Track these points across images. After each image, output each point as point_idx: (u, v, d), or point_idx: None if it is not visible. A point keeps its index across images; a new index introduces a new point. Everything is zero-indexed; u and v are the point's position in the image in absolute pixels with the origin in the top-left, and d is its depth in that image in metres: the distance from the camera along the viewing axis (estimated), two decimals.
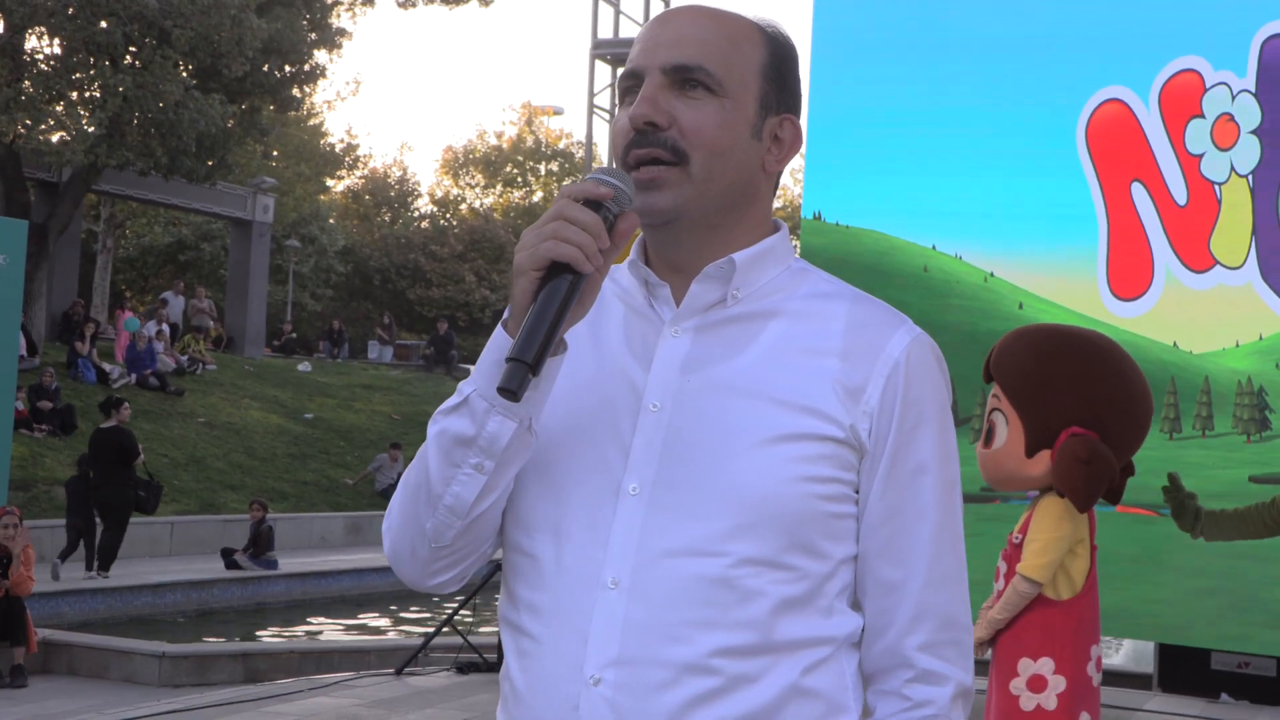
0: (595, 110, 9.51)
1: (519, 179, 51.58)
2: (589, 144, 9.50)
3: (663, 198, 1.66)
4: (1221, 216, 8.01)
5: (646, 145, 1.66)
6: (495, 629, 9.71)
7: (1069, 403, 3.73)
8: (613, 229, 1.59)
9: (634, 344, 1.72)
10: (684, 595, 1.61)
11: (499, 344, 1.60)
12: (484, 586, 9.06)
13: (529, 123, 51.72)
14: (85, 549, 14.90)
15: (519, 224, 46.73)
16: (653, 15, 9.52)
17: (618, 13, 9.48)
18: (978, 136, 8.51)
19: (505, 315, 1.62)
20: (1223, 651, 8.43)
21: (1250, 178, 7.96)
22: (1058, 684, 3.63)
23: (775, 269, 1.76)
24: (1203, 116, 8.06)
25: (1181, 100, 8.09)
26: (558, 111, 51.30)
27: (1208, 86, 8.07)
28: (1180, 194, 8.07)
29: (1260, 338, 8.03)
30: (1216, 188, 8.02)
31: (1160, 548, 7.84)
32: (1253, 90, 7.98)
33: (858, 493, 1.70)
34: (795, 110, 1.79)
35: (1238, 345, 8.07)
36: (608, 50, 9.44)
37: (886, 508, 1.70)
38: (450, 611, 9.49)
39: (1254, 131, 7.97)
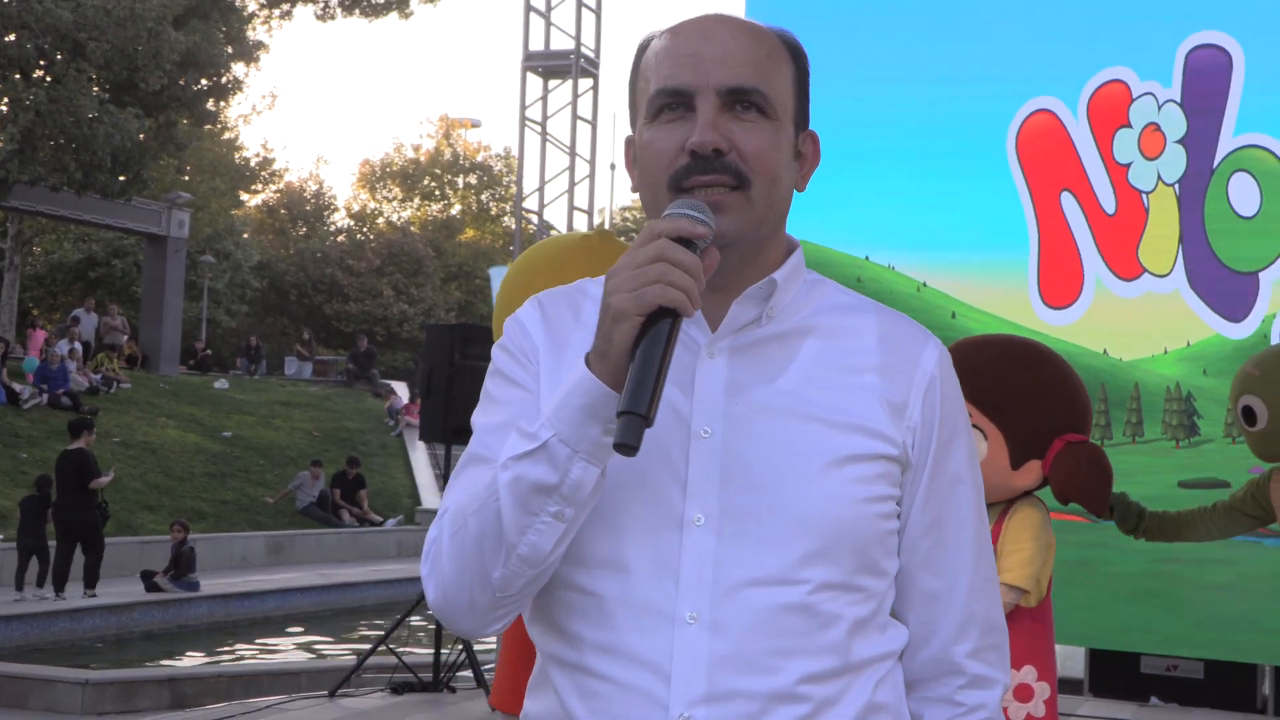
0: (527, 123, 9.43)
1: (437, 192, 51.32)
2: (521, 157, 9.42)
3: (724, 222, 1.63)
4: (1149, 225, 8.09)
5: (711, 171, 1.63)
6: (429, 649, 9.60)
7: (1057, 410, 3.73)
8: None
9: (671, 369, 1.63)
10: (767, 625, 1.59)
11: (586, 389, 1.54)
12: (418, 605, 8.94)
13: (447, 135, 51.50)
14: (39, 565, 15.01)
15: (437, 237, 46.52)
16: (584, 28, 9.50)
17: (549, 24, 9.42)
18: (909, 147, 8.55)
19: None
20: (1152, 655, 8.50)
21: (1177, 186, 8.05)
22: (1043, 690, 3.62)
23: (798, 284, 1.75)
24: (1130, 126, 8.15)
25: (1109, 110, 8.17)
26: (475, 124, 51.12)
27: (1134, 97, 8.15)
28: (1109, 203, 8.15)
29: (1188, 344, 8.13)
30: (1144, 196, 8.11)
31: (1091, 553, 7.90)
32: (1178, 100, 8.08)
33: (898, 505, 1.72)
34: (809, 123, 1.78)
35: (1166, 352, 8.16)
36: (539, 62, 9.39)
37: (928, 520, 1.73)
38: (384, 632, 9.35)
39: (1180, 141, 8.07)
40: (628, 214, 48.63)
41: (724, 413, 1.64)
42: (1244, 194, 7.95)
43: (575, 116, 9.42)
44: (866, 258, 8.64)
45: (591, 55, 9.56)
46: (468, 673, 9.03)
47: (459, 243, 48.09)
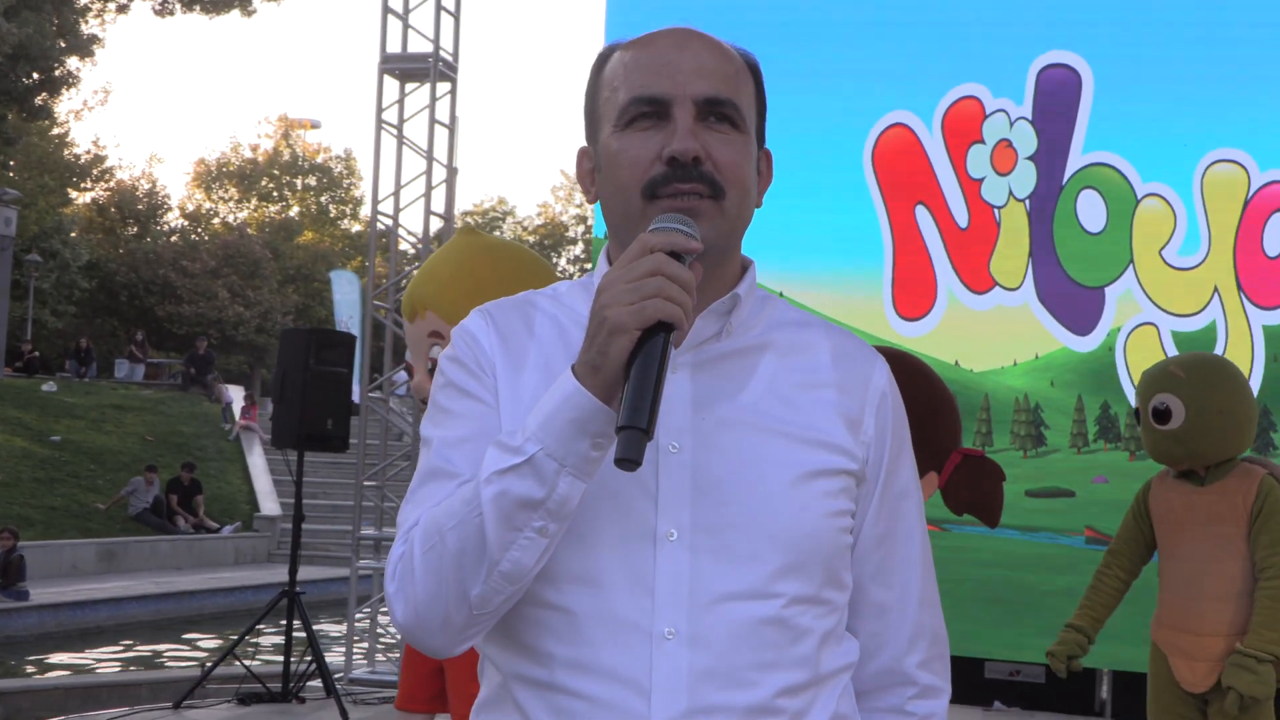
0: (384, 126, 9.30)
1: (275, 193, 50.47)
2: (376, 160, 9.28)
3: (700, 230, 1.62)
4: (1000, 239, 8.28)
5: (689, 179, 1.63)
6: (279, 657, 9.41)
7: (952, 423, 3.78)
8: None
9: None
10: (745, 639, 1.59)
11: (576, 403, 1.51)
12: (269, 612, 8.75)
13: (286, 136, 50.67)
14: None
15: (274, 239, 45.74)
16: (443, 31, 9.40)
17: (406, 27, 9.30)
18: (779, 156, 8.60)
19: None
20: (996, 661, 8.68)
21: (1027, 202, 8.26)
22: None
23: (753, 299, 1.76)
24: (983, 142, 8.33)
25: (963, 126, 8.35)
26: (315, 125, 50.41)
27: (987, 113, 8.34)
28: (962, 217, 8.32)
29: (1036, 356, 8.33)
30: (996, 211, 8.30)
31: (939, 560, 8.03)
32: (1029, 118, 8.29)
33: (854, 519, 1.74)
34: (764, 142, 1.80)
35: (1015, 364, 8.36)
36: (396, 65, 9.26)
37: (879, 533, 1.75)
38: (232, 640, 9.13)
39: (1030, 157, 8.27)
40: (469, 219, 48.38)
41: (691, 427, 1.63)
42: (1091, 210, 8.19)
43: (433, 120, 9.32)
44: None
45: (450, 59, 9.47)
46: (318, 682, 8.86)
47: (298, 245, 47.35)
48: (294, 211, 50.48)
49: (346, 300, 29.42)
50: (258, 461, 26.46)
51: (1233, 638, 4.72)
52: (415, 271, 9.58)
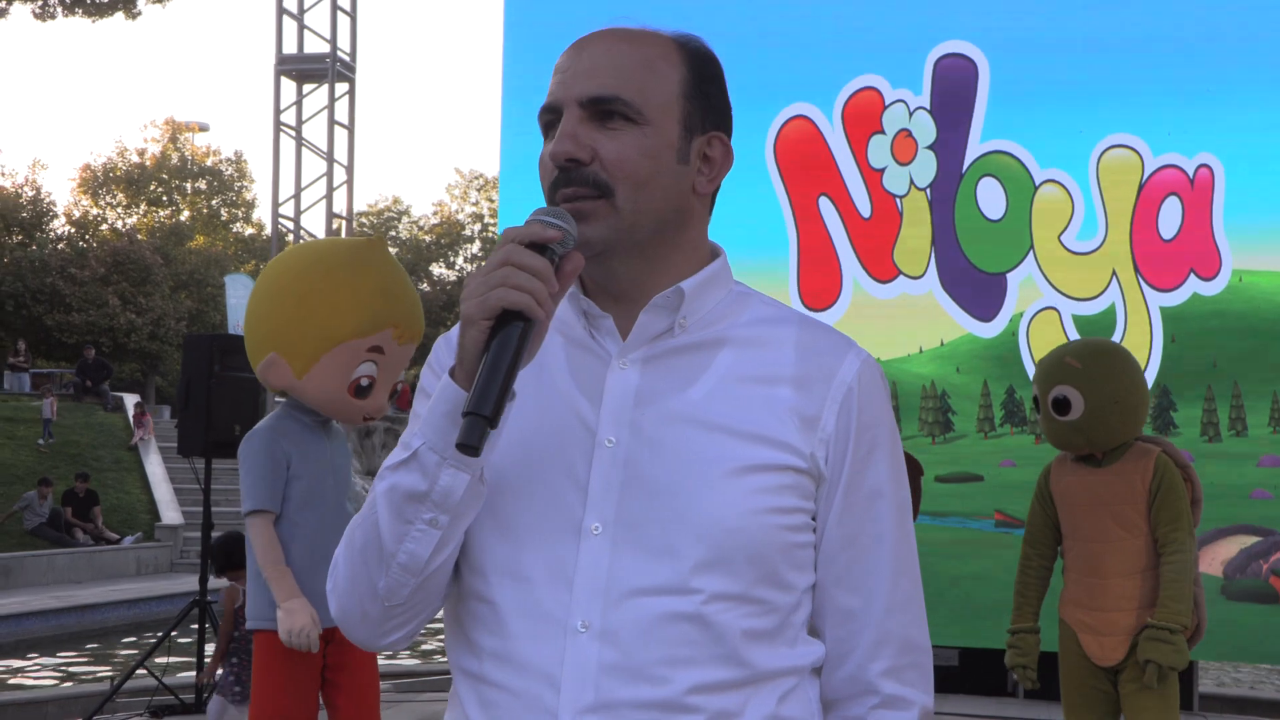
0: (282, 128, 9.18)
1: (164, 198, 49.66)
2: (276, 162, 9.16)
3: (590, 229, 1.62)
4: (903, 228, 8.37)
5: (571, 183, 1.63)
6: (191, 671, 9.26)
7: None
8: (559, 270, 1.57)
9: (580, 378, 1.67)
10: (657, 635, 1.58)
11: (447, 395, 1.55)
12: (180, 623, 8.62)
13: (174, 139, 49.86)
14: None
15: (165, 245, 45.01)
16: (340, 32, 9.30)
17: (302, 28, 9.18)
18: None
19: (451, 364, 1.58)
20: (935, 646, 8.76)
21: (928, 191, 8.36)
22: None
23: (719, 294, 1.73)
24: (883, 132, 8.41)
25: (863, 117, 8.43)
26: (204, 128, 49.66)
27: (887, 104, 8.43)
28: (864, 207, 8.40)
29: (942, 343, 8.43)
30: (898, 200, 8.39)
31: None
32: (928, 107, 8.39)
33: (814, 520, 1.70)
34: (724, 127, 1.76)
35: (921, 351, 8.45)
36: (293, 66, 9.14)
37: (844, 535, 1.70)
38: (142, 653, 8.98)
39: (930, 147, 8.37)
40: (363, 219, 47.92)
41: (630, 422, 1.63)
42: (991, 198, 8.30)
43: (332, 121, 9.21)
44: None
45: (348, 59, 9.37)
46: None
47: (189, 250, 46.63)
48: (184, 216, 49.71)
49: (242, 305, 29.00)
50: (156, 470, 26.02)
51: (1138, 612, 4.89)
52: None
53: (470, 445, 1.47)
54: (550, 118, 1.68)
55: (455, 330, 1.68)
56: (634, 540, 1.59)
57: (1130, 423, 5.02)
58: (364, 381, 4.81)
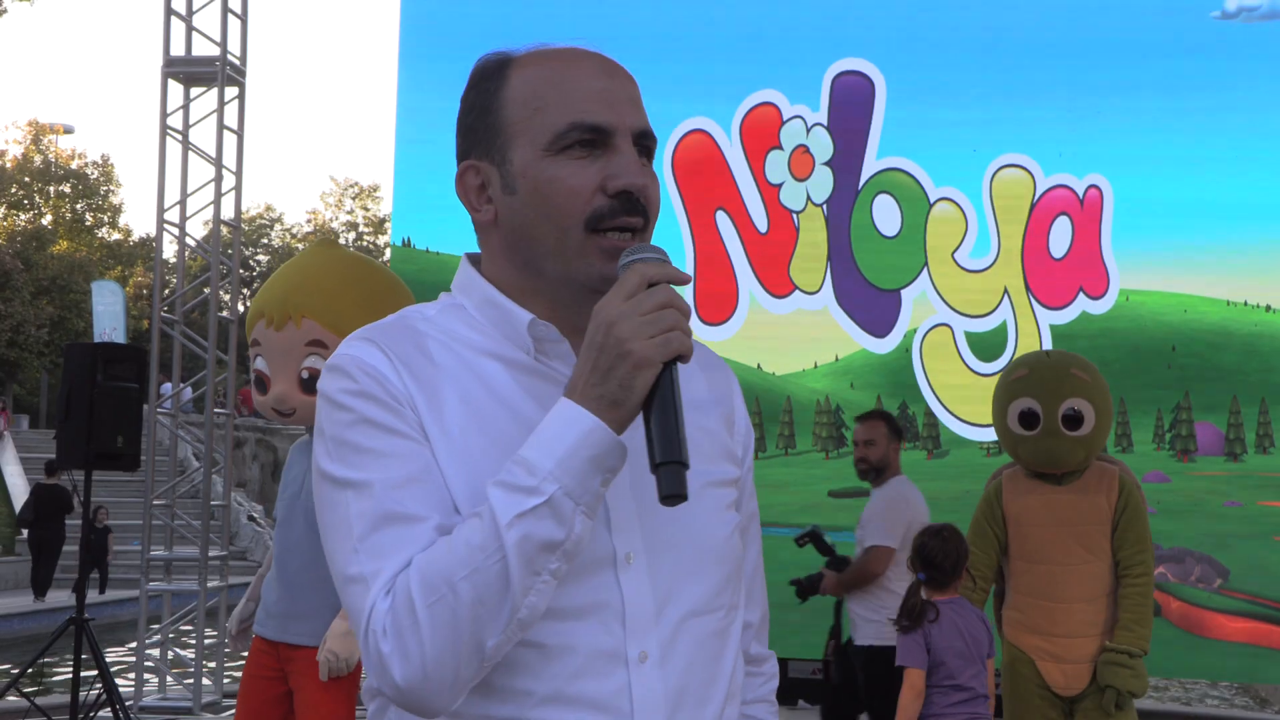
0: (169, 132, 8.95)
1: (25, 201, 48.35)
2: (162, 167, 8.92)
3: None
4: (799, 244, 8.41)
5: (636, 213, 1.60)
6: (64, 692, 8.97)
7: None
8: None
9: (549, 408, 1.57)
10: (701, 655, 1.62)
11: (596, 440, 1.47)
12: (53, 642, 8.34)
13: (36, 141, 48.60)
14: None
15: (26, 249, 43.82)
16: (231, 35, 9.10)
17: (190, 30, 8.97)
18: None
19: (580, 400, 1.49)
20: (799, 660, 8.79)
21: (825, 207, 8.41)
22: None
23: None
24: (781, 148, 8.45)
25: (761, 132, 8.46)
26: (68, 130, 48.48)
27: (785, 119, 8.46)
28: (761, 222, 8.43)
29: (836, 359, 8.49)
30: (795, 216, 8.43)
31: None
32: (825, 124, 8.44)
33: None
34: None
35: (816, 366, 8.50)
36: (180, 69, 8.91)
37: (742, 523, 1.78)
38: (13, 674, 8.68)
39: (827, 163, 8.42)
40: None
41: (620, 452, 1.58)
42: (887, 214, 8.38)
43: (221, 126, 9.01)
44: None
45: (238, 63, 9.17)
46: (107, 712, 8.49)
47: (51, 255, 45.44)
48: (47, 220, 48.46)
49: (110, 311, 28.43)
50: (17, 482, 25.29)
51: (1101, 638, 4.73)
52: (214, 281, 9.29)
53: (682, 494, 1.45)
54: (589, 137, 1.61)
55: (364, 353, 1.59)
56: (667, 565, 1.60)
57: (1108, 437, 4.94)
58: (254, 376, 4.79)
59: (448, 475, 1.54)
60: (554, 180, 1.60)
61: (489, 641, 1.46)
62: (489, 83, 1.70)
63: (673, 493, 1.44)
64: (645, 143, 1.64)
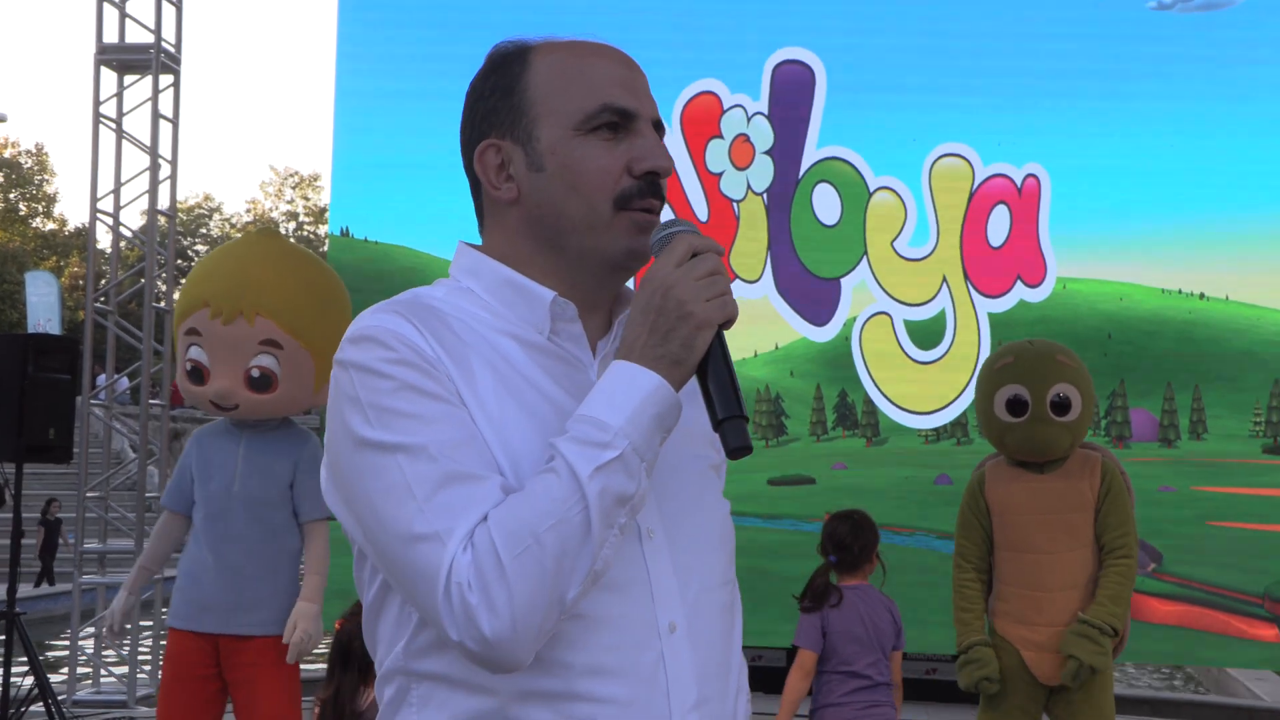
0: (102, 120, 8.84)
1: None
2: (95, 156, 8.82)
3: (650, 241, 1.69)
4: (740, 233, 8.42)
5: (658, 195, 1.68)
6: None
7: None
8: None
9: (568, 389, 1.65)
10: (719, 626, 1.68)
11: (661, 397, 1.54)
12: None
13: None
14: None
15: None
16: (165, 22, 9.00)
17: (124, 16, 8.86)
18: None
19: (641, 360, 1.55)
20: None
21: (765, 196, 8.41)
22: None
23: None
24: (721, 137, 8.45)
25: (701, 121, 8.45)
26: (1, 118, 47.81)
27: (725, 109, 8.46)
28: (702, 211, 8.42)
29: (776, 347, 8.50)
30: (735, 205, 8.43)
31: None
32: (766, 113, 8.44)
33: None
34: None
35: (756, 355, 8.51)
36: (114, 56, 8.79)
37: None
38: None
39: (767, 152, 8.43)
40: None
41: None
42: (826, 204, 8.40)
43: (156, 114, 8.90)
44: None
45: (172, 50, 9.07)
46: (39, 707, 8.39)
47: None
48: None
49: (44, 302, 28.09)
50: None
51: None
52: (147, 269, 9.17)
53: (748, 446, 1.53)
54: (617, 119, 1.68)
55: (393, 324, 1.60)
56: (684, 540, 1.65)
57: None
58: (188, 365, 4.71)
59: (494, 449, 1.57)
60: (585, 158, 1.66)
61: (570, 593, 1.49)
62: (511, 66, 1.75)
63: (739, 445, 1.52)
64: (659, 132, 1.73)
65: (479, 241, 1.77)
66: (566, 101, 1.68)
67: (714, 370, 1.55)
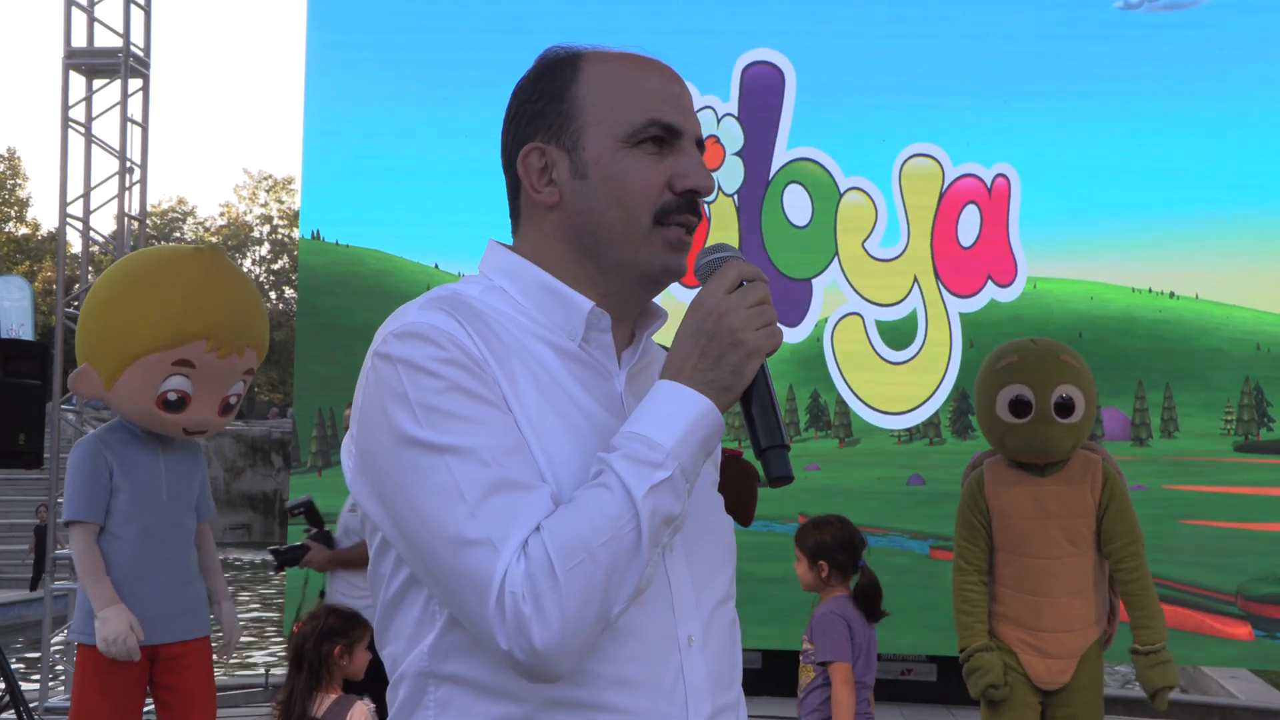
0: (71, 124, 8.79)
1: None
2: (64, 160, 8.77)
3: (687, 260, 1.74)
4: (711, 234, 8.42)
5: (696, 212, 1.69)
6: None
7: None
8: None
9: (598, 397, 1.67)
10: (727, 640, 1.71)
11: (708, 422, 1.55)
12: None
13: None
14: None
15: None
16: (134, 26, 8.95)
17: (92, 20, 8.81)
18: (478, 155, 8.55)
19: (692, 384, 1.56)
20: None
21: (736, 197, 8.42)
22: None
23: None
24: None
25: None
26: None
27: (695, 109, 8.46)
28: None
29: None
30: (706, 206, 8.42)
31: None
32: (735, 114, 8.45)
33: None
34: None
35: None
36: (82, 60, 8.75)
37: None
38: None
39: (738, 153, 8.44)
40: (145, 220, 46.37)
41: None
42: (797, 204, 8.41)
43: (125, 119, 8.86)
44: (436, 265, 8.59)
45: (141, 54, 9.03)
46: (11, 714, 8.35)
47: None
48: None
49: (17, 308, 27.85)
50: None
51: (1085, 631, 4.61)
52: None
53: (790, 475, 1.57)
54: (663, 134, 1.68)
55: (440, 321, 1.59)
56: (698, 555, 1.67)
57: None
58: (171, 396, 4.67)
59: (537, 455, 1.58)
60: (630, 171, 1.66)
61: (616, 608, 1.51)
62: (561, 72, 1.74)
63: (782, 474, 1.56)
64: (701, 150, 1.74)
65: (508, 241, 1.78)
66: (615, 113, 1.69)
67: (759, 398, 1.58)
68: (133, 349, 4.64)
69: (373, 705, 4.41)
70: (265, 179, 55.93)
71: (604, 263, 1.68)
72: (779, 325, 1.59)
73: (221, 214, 56.18)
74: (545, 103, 1.73)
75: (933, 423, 8.40)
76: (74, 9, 8.66)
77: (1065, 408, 4.64)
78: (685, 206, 1.67)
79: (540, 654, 1.47)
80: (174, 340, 4.65)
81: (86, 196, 8.88)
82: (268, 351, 5.04)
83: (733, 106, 8.45)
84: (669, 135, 1.68)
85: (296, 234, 53.41)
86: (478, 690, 1.59)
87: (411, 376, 1.57)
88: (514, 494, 1.52)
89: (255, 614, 16.70)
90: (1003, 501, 4.73)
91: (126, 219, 8.96)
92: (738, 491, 3.83)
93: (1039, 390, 4.68)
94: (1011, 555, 4.69)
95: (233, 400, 4.84)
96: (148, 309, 4.64)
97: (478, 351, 1.59)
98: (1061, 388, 4.66)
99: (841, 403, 8.45)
